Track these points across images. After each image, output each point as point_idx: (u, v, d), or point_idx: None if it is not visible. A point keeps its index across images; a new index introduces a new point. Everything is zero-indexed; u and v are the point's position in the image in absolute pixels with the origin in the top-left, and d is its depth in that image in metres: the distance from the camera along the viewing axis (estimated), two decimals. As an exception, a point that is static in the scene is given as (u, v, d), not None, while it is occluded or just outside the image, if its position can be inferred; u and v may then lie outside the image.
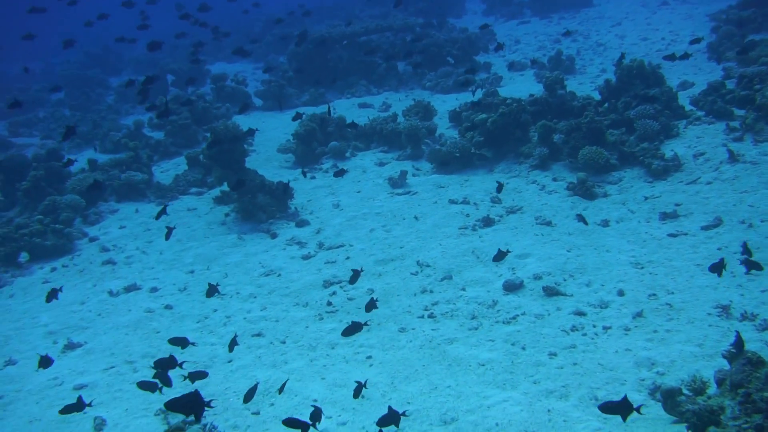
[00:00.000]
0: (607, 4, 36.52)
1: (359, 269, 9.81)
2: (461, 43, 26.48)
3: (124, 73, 36.74)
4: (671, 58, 15.71)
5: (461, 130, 16.64)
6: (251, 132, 14.99)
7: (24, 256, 13.24)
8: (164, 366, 7.18)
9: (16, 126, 26.24)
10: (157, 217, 11.31)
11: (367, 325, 8.47)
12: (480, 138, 15.64)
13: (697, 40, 17.74)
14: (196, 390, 5.69)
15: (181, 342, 8.12)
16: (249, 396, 7.23)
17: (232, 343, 8.47)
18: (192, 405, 5.48)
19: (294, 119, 14.84)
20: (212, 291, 9.88)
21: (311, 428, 6.04)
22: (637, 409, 5.90)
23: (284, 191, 14.22)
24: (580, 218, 10.24)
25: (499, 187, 12.30)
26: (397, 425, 6.21)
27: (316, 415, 6.34)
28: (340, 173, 13.52)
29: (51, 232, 13.43)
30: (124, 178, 15.77)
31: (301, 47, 26.03)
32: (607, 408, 5.89)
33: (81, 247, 13.81)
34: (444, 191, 14.72)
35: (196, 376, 7.81)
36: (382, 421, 6.22)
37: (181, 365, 7.46)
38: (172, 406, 5.45)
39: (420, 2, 41.27)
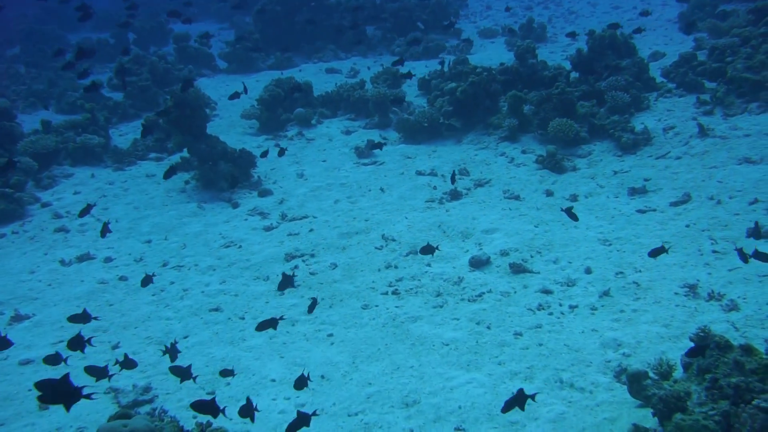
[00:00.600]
0: (579, -28, 36.07)
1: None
2: (432, 7, 25.92)
3: (82, 30, 35.36)
4: (615, 26, 15.66)
5: (430, 99, 16.29)
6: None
7: (-29, 223, 12.65)
8: (74, 346, 6.68)
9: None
10: (81, 214, 10.27)
11: (283, 318, 8.01)
12: (449, 108, 15.30)
13: (645, 13, 17.76)
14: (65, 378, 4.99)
15: (83, 318, 7.59)
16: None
17: (173, 353, 7.58)
18: (61, 394, 4.76)
19: (230, 97, 13.44)
20: (147, 281, 8.98)
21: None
22: (532, 397, 5.81)
23: (246, 160, 13.80)
24: (570, 214, 9.34)
25: (453, 178, 11.63)
26: (308, 425, 5.70)
27: (247, 409, 5.86)
28: (281, 153, 12.53)
29: (0, 197, 12.81)
30: (80, 141, 15.11)
31: (269, 7, 25.25)
32: (507, 407, 5.76)
33: (32, 212, 13.22)
34: (411, 162, 14.39)
35: (127, 364, 7.23)
36: (291, 428, 5.61)
37: (89, 342, 6.95)
38: (39, 387, 4.80)
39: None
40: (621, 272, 9.32)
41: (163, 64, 20.77)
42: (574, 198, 11.73)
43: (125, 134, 17.73)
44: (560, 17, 27.37)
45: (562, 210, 9.75)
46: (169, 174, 11.38)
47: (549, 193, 12.05)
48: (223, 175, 13.61)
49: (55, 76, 23.40)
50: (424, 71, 21.05)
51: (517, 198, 12.10)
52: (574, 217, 9.34)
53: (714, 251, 9.42)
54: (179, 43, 24.00)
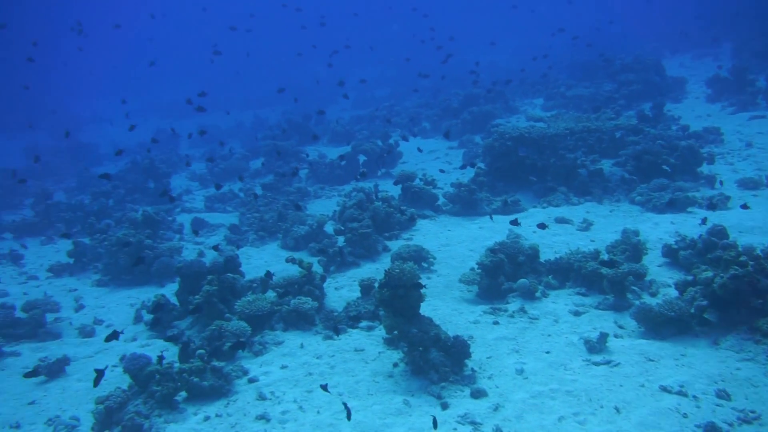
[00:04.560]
0: None
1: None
2: (681, 150, 23.22)
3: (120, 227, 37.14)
4: None
5: (678, 284, 13.95)
6: None
7: (182, 395, 12.49)
8: None
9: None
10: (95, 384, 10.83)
11: None
12: (703, 301, 12.85)
13: None
14: None
15: None
16: None
17: None
18: None
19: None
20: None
21: None
22: None
23: (461, 348, 12.48)
24: None
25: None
26: None
27: None
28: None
29: (210, 371, 12.58)
30: (294, 304, 14.76)
31: (498, 142, 24.37)
32: None
33: (238, 389, 12.78)
34: (654, 368, 12.07)
35: None
36: None
37: None
38: None
39: (633, 84, 38.38)
40: None
41: (385, 208, 20.46)
42: None
43: (341, 287, 17.33)
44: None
45: None
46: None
47: None
48: (433, 365, 12.37)
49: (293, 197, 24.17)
50: (669, 228, 18.68)
51: (800, 458, 9.37)
52: None
53: None
54: (404, 182, 23.73)
